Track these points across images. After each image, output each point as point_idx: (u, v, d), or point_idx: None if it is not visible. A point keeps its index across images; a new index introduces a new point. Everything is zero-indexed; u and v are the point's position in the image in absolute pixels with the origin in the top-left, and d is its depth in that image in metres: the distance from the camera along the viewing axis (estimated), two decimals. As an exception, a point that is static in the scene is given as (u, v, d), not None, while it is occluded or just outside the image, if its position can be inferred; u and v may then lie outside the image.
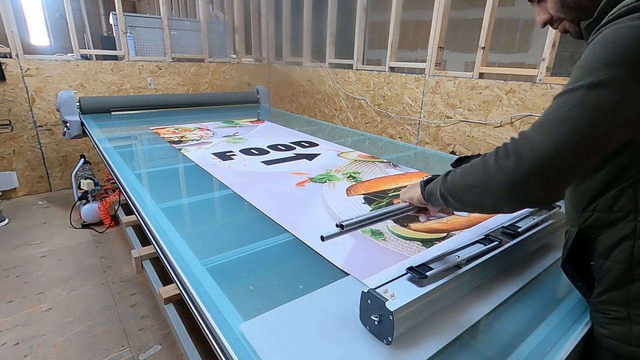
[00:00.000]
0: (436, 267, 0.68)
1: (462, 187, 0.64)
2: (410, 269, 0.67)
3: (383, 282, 0.65)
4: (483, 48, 2.29)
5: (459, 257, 0.73)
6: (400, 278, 0.67)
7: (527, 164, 0.52)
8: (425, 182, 0.76)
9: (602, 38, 0.52)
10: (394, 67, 2.92)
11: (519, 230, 0.87)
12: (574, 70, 0.54)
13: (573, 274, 0.72)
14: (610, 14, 0.54)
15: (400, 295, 0.61)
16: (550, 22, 0.69)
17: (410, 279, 0.66)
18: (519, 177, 0.53)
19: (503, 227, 0.89)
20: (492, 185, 0.57)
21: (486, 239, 0.82)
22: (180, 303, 1.49)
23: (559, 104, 0.53)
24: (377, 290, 0.62)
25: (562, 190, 0.56)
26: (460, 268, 0.71)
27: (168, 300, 1.44)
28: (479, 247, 0.78)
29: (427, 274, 0.65)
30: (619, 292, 0.63)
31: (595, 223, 0.65)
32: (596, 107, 0.49)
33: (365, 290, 0.62)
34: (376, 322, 0.61)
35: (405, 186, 1.37)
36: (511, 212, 0.62)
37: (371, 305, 0.61)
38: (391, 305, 0.58)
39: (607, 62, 0.50)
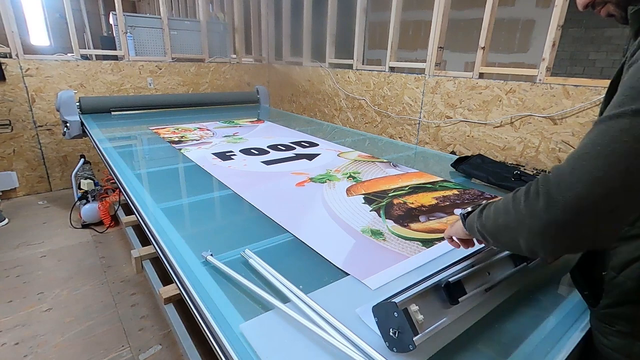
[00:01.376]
0: (469, 291, 0.65)
1: (495, 226, 0.57)
2: (446, 288, 0.62)
3: (410, 295, 0.59)
4: (483, 48, 2.28)
5: (489, 273, 0.71)
6: (429, 294, 0.61)
7: (559, 209, 0.44)
8: (465, 215, 0.69)
9: None
10: (394, 67, 2.92)
11: None
12: (621, 88, 0.46)
13: (581, 283, 0.70)
14: None
15: (428, 318, 0.58)
16: (593, 4, 0.60)
17: (440, 298, 0.62)
18: (551, 223, 0.46)
19: None
20: (524, 228, 0.50)
21: (515, 255, 0.76)
22: (180, 303, 1.49)
23: (598, 133, 0.45)
24: (408, 309, 0.57)
25: (608, 234, 0.46)
26: (487, 291, 0.69)
27: (168, 300, 1.44)
28: (509, 268, 0.74)
29: (460, 299, 0.62)
30: (627, 308, 0.62)
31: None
32: None
33: (396, 302, 0.56)
34: (394, 335, 0.57)
35: (406, 186, 1.38)
36: (551, 258, 0.58)
37: (396, 319, 0.57)
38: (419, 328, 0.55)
39: None
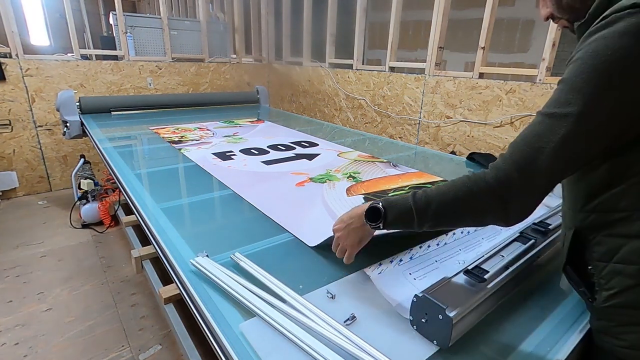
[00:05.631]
0: (490, 270, 0.68)
1: (443, 202, 0.63)
2: (467, 272, 0.68)
3: (435, 287, 0.64)
4: (483, 48, 2.28)
5: (503, 256, 0.74)
6: (454, 279, 0.67)
7: (504, 173, 0.58)
8: (376, 204, 0.71)
9: (586, 53, 0.54)
10: (394, 67, 2.92)
11: (550, 227, 0.87)
12: (558, 85, 0.59)
13: (575, 278, 0.67)
14: (601, 16, 0.54)
15: (459, 300, 0.61)
16: (552, 17, 0.70)
17: (467, 282, 0.67)
18: (497, 181, 0.58)
19: (534, 223, 0.90)
20: (477, 192, 0.60)
21: (522, 237, 0.83)
22: (180, 303, 1.49)
23: (532, 123, 0.59)
24: (431, 294, 0.61)
25: (529, 205, 0.58)
26: (508, 269, 0.71)
27: (168, 300, 1.44)
28: (519, 246, 0.79)
29: (485, 277, 0.66)
30: (633, 293, 0.58)
31: (593, 224, 0.62)
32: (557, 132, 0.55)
33: (420, 295, 0.62)
34: (424, 321, 0.62)
35: (406, 186, 1.38)
36: (504, 215, 0.60)
37: (430, 312, 0.61)
38: (450, 312, 0.58)
39: (577, 87, 0.55)
